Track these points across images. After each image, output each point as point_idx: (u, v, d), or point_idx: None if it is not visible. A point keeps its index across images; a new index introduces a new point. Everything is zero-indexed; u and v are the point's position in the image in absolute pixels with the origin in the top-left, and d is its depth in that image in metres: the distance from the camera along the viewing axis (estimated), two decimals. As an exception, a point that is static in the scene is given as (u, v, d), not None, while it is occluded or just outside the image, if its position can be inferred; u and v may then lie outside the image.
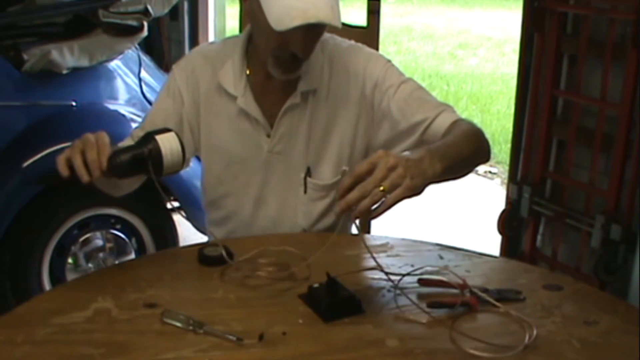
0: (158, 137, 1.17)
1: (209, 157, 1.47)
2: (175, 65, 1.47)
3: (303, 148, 1.42)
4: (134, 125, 2.34)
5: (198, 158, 1.52)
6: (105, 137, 1.14)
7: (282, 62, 1.30)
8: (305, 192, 1.44)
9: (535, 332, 1.03)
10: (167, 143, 1.17)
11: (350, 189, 1.03)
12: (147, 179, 1.26)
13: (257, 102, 1.40)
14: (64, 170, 1.12)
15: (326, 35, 1.44)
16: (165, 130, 1.19)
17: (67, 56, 2.30)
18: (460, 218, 3.77)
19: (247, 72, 1.40)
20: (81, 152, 1.11)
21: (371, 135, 1.44)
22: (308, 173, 1.43)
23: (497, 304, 1.11)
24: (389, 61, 1.43)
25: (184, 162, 1.19)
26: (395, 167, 1.04)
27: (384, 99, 1.39)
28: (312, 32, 1.25)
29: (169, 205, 2.61)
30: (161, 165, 1.16)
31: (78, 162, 1.11)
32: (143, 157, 1.15)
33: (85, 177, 1.11)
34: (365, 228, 1.79)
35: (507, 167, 3.41)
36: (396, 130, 1.39)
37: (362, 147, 1.45)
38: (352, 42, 1.49)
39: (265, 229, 1.47)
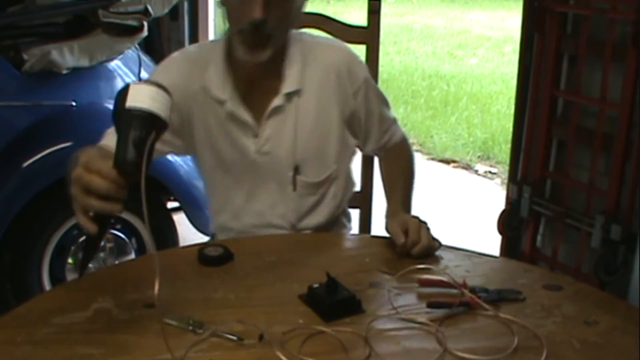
0: (128, 105, 0.96)
1: (200, 153, 1.49)
2: (158, 66, 1.51)
3: (290, 148, 1.43)
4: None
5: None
6: (93, 160, 0.99)
7: (247, 38, 1.30)
8: (294, 189, 1.45)
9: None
10: (142, 97, 0.97)
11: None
12: None
13: (244, 105, 1.40)
14: (91, 228, 0.99)
15: (297, 32, 1.46)
16: (123, 90, 0.98)
17: (67, 56, 2.30)
18: (460, 218, 3.77)
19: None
20: (85, 193, 0.98)
21: (351, 133, 1.50)
22: (297, 171, 1.44)
23: (487, 306, 1.10)
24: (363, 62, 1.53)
25: (169, 94, 1.01)
26: (417, 227, 1.30)
27: (359, 96, 1.46)
28: None
29: (169, 205, 2.60)
30: (162, 121, 0.99)
31: (96, 204, 0.97)
32: (146, 135, 0.96)
33: (116, 208, 0.98)
34: (365, 228, 1.79)
35: (507, 167, 3.41)
36: (363, 133, 1.52)
37: (349, 144, 1.51)
38: (328, 36, 1.52)
39: (254, 222, 1.48)
